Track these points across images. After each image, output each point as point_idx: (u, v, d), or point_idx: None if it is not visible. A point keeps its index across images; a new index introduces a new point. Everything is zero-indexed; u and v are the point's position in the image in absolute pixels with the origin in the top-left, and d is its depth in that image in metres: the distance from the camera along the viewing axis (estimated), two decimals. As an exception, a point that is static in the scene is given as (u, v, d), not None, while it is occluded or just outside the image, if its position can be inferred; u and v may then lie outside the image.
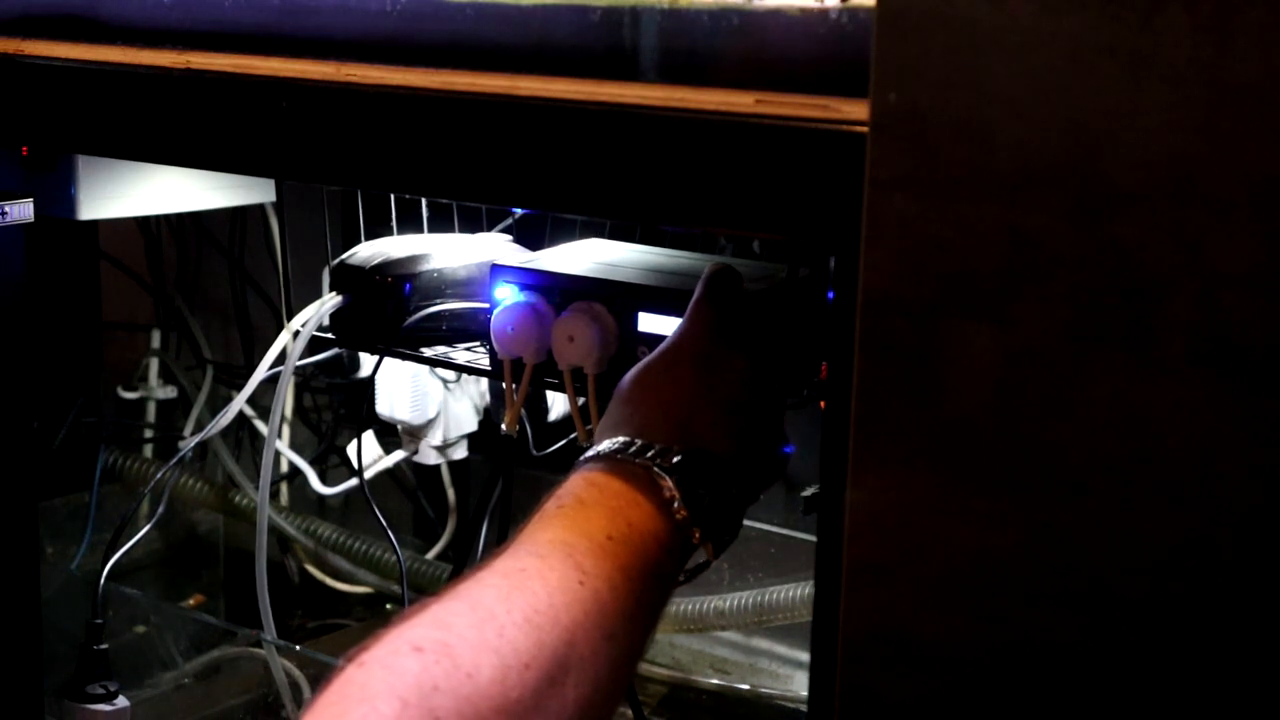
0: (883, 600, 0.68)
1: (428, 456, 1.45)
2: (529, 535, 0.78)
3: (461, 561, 1.31)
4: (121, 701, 1.28)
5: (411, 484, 1.66)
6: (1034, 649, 0.65)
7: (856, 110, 0.70)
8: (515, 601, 0.72)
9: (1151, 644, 0.62)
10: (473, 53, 0.86)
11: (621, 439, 0.83)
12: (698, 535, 0.82)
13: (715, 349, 0.88)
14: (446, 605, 0.72)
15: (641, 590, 0.78)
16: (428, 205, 1.33)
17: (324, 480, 1.61)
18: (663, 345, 0.90)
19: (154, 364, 1.71)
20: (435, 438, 1.43)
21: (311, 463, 1.62)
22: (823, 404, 0.77)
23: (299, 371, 1.46)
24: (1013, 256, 0.62)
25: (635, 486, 0.81)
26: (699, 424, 0.84)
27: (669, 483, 0.81)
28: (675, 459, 0.82)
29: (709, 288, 0.92)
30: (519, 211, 1.32)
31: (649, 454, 0.82)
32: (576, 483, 0.82)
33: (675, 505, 0.81)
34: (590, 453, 0.84)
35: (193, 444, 1.44)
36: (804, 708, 1.41)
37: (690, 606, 1.41)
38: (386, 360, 1.22)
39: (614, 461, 0.82)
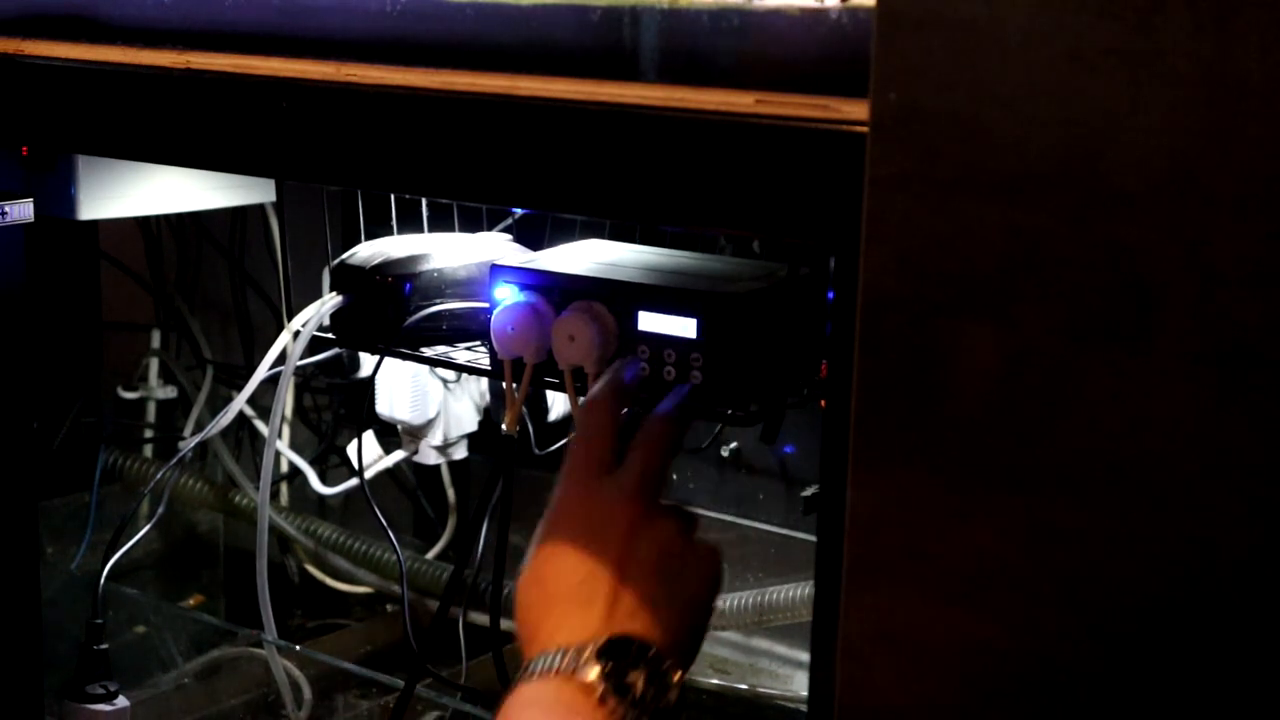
0: (883, 600, 0.68)
1: (428, 456, 1.45)
2: None
3: (462, 562, 1.31)
4: (121, 701, 1.28)
5: (411, 484, 1.66)
6: (1034, 649, 0.65)
7: (856, 110, 0.70)
8: None
9: (1152, 644, 0.62)
10: (473, 53, 0.86)
11: (543, 655, 0.80)
12: None
13: (596, 509, 0.84)
14: None
15: None
16: (428, 205, 1.33)
17: (324, 480, 1.61)
18: (545, 520, 0.86)
19: (154, 364, 1.72)
20: (435, 438, 1.43)
21: (311, 463, 1.62)
22: (823, 403, 0.77)
23: (299, 371, 1.46)
24: (1013, 256, 0.62)
25: (574, 705, 0.78)
26: (605, 602, 0.81)
27: (603, 692, 0.78)
28: (598, 661, 0.78)
29: (574, 439, 0.88)
30: (519, 211, 1.32)
31: (571, 661, 0.79)
32: (520, 714, 0.78)
33: (614, 710, 0.78)
34: (523, 673, 0.80)
35: (193, 444, 1.44)
36: (804, 708, 1.41)
37: (690, 606, 1.41)
38: (387, 360, 1.22)
39: (544, 680, 0.79)
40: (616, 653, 0.79)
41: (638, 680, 0.79)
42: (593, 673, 0.78)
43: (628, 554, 0.83)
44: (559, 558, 0.84)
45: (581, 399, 0.88)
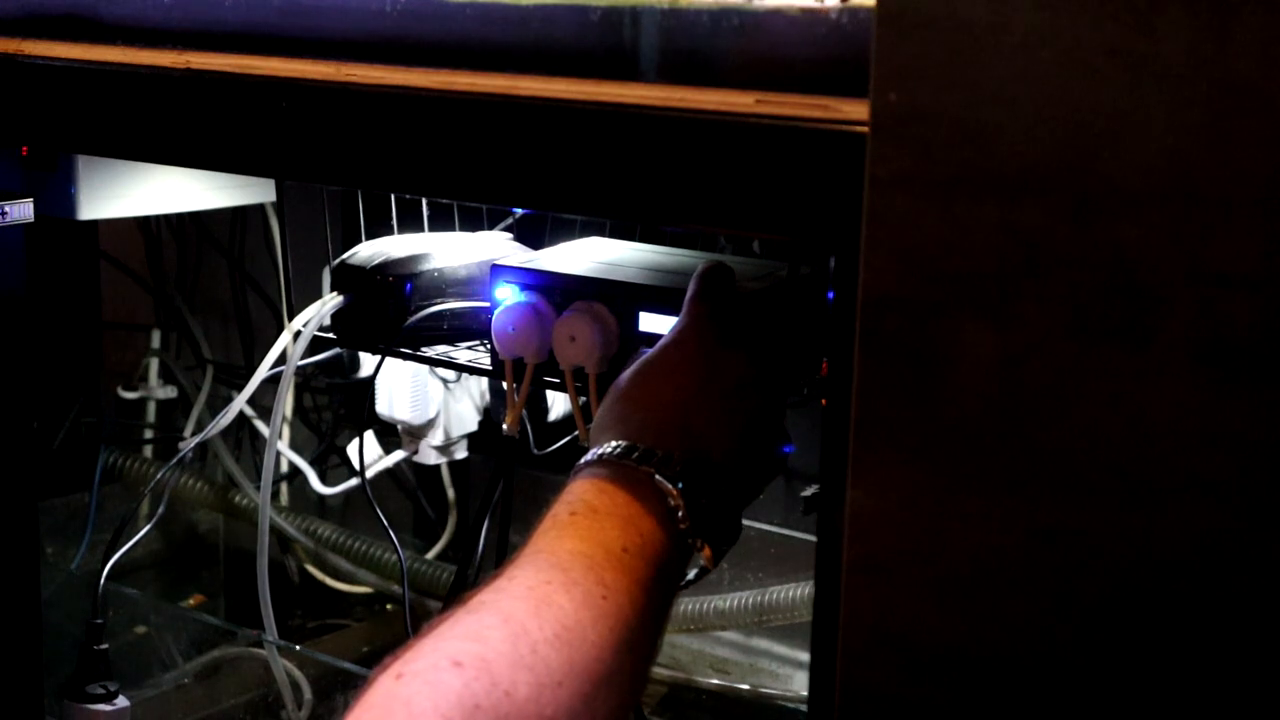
0: (883, 600, 0.68)
1: (428, 456, 1.45)
2: (548, 545, 0.78)
3: (462, 561, 1.31)
4: (121, 701, 1.28)
5: (411, 484, 1.66)
6: (1034, 649, 0.65)
7: (856, 110, 0.70)
8: (545, 617, 0.72)
9: (1152, 644, 0.62)
10: (473, 53, 0.86)
11: (623, 443, 0.83)
12: (699, 543, 0.82)
13: (713, 347, 0.88)
14: (479, 617, 0.72)
15: (655, 601, 0.79)
16: (428, 205, 1.33)
17: (324, 480, 1.61)
18: (660, 344, 0.90)
19: (154, 364, 1.72)
20: (435, 438, 1.43)
21: (311, 463, 1.62)
22: (824, 401, 0.77)
23: (299, 371, 1.46)
24: (1013, 256, 0.62)
25: (641, 495, 0.81)
26: (698, 426, 0.85)
27: (673, 492, 0.81)
28: (678, 467, 0.82)
29: (703, 285, 0.92)
30: (519, 211, 1.32)
31: (652, 461, 0.82)
32: (585, 488, 0.81)
33: (679, 515, 0.81)
34: (592, 454, 0.84)
35: (193, 444, 1.44)
36: (804, 708, 1.41)
37: (690, 606, 1.41)
38: (387, 360, 1.22)
39: (618, 467, 0.82)
40: (694, 470, 0.82)
41: (707, 502, 0.82)
42: (670, 484, 0.81)
43: (728, 403, 0.87)
44: (666, 377, 0.87)
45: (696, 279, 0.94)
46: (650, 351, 0.90)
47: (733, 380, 0.87)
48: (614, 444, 0.83)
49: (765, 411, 0.89)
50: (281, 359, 1.27)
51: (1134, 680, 0.63)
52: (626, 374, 0.89)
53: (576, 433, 1.07)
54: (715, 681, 1.47)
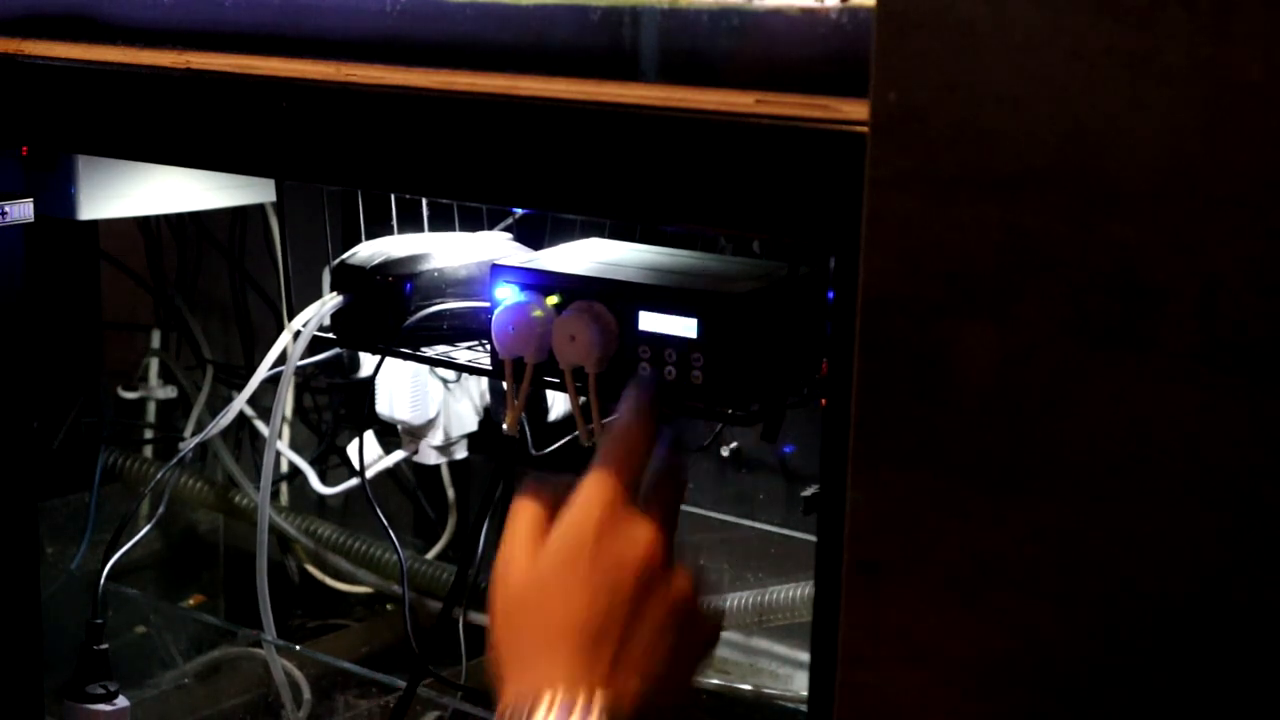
0: (883, 600, 0.68)
1: (428, 456, 1.45)
2: None
3: (462, 561, 1.31)
4: (121, 701, 1.28)
5: (411, 484, 1.66)
6: (1033, 649, 0.65)
7: (856, 110, 0.70)
8: None
9: (1151, 644, 0.62)
10: (473, 53, 0.86)
11: (537, 705, 0.76)
12: None
13: (616, 547, 0.79)
14: None
15: None
16: (428, 205, 1.33)
17: (324, 480, 1.61)
18: (558, 536, 0.80)
19: (154, 364, 1.72)
20: (435, 438, 1.43)
21: (311, 463, 1.62)
22: (824, 401, 0.77)
23: (299, 371, 1.46)
24: (1013, 256, 0.62)
25: None
26: (611, 650, 0.77)
27: None
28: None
29: (608, 449, 0.83)
30: (519, 211, 1.32)
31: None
32: None
33: None
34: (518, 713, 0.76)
35: (193, 444, 1.44)
36: (804, 708, 1.41)
37: (690, 606, 1.41)
38: (387, 360, 1.22)
39: None
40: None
41: None
42: None
43: (641, 604, 0.79)
44: (569, 589, 0.79)
45: (612, 417, 0.85)
46: (543, 555, 0.80)
47: (635, 578, 0.79)
48: (520, 710, 0.76)
49: (679, 594, 0.80)
50: (281, 359, 1.27)
51: (1133, 680, 0.63)
52: (538, 577, 0.80)
53: (576, 433, 1.07)
54: (715, 681, 1.46)
